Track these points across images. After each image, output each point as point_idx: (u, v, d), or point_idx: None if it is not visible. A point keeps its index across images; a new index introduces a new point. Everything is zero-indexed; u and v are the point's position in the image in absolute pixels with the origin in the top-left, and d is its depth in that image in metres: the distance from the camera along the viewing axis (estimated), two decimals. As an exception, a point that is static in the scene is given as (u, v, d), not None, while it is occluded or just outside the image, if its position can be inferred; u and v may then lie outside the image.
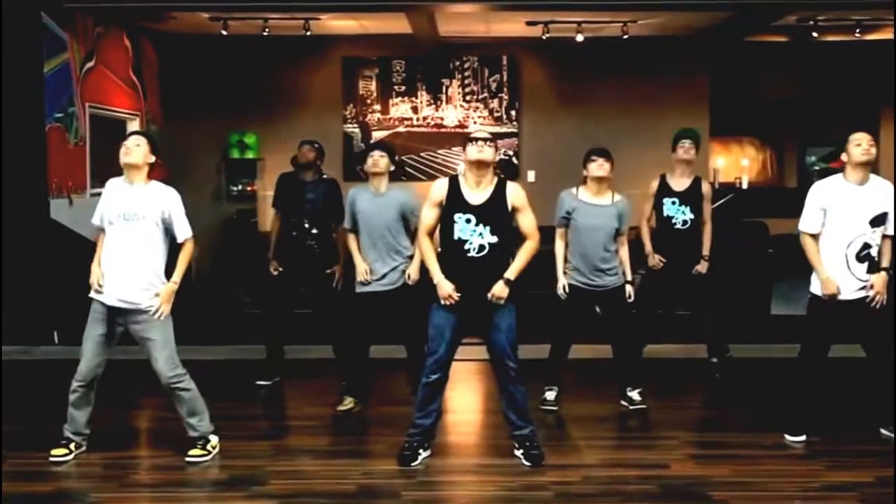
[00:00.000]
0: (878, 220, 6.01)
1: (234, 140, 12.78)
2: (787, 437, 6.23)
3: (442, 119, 13.03)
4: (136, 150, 5.84)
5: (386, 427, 6.59)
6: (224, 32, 11.50)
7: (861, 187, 6.01)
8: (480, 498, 5.44)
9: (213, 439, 5.97)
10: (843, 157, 6.04)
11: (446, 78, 13.03)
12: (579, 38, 11.78)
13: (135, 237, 5.75)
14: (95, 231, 5.99)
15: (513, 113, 13.03)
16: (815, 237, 6.10)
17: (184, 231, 5.94)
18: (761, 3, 10.22)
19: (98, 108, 10.71)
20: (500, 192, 5.74)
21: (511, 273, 5.65)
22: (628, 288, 6.92)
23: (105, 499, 5.32)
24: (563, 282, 6.89)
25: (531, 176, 12.96)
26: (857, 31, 11.82)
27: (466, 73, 13.02)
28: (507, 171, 12.93)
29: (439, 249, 5.85)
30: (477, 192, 5.72)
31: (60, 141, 9.85)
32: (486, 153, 5.69)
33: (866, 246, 6.02)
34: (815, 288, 6.16)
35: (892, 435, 6.18)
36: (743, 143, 14.29)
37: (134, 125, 11.69)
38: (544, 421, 6.70)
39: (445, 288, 5.64)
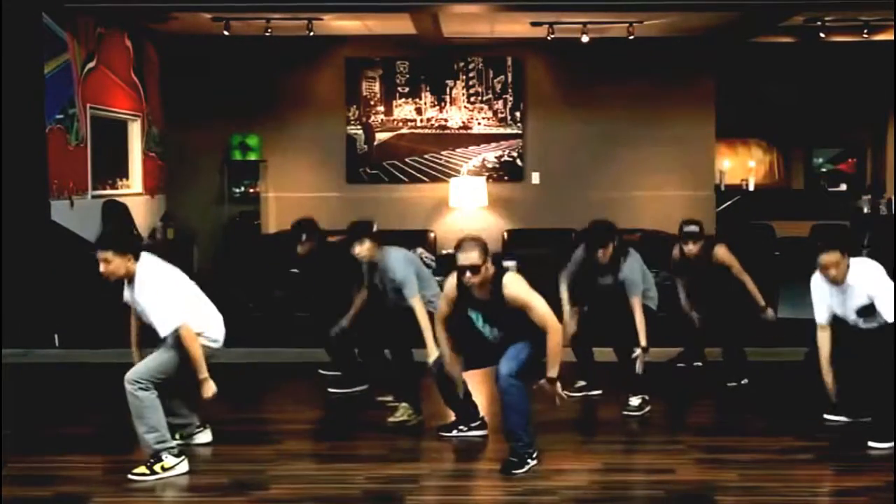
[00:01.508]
0: (864, 312, 6.24)
1: (236, 142, 12.72)
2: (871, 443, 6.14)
3: (446, 120, 12.97)
4: (111, 272, 5.60)
5: (389, 431, 6.55)
6: (226, 33, 11.46)
7: (841, 286, 6.25)
8: (486, 503, 5.39)
9: (169, 461, 5.60)
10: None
11: (450, 79, 12.97)
12: (585, 38, 11.72)
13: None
14: None
15: (517, 114, 12.96)
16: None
17: (162, 329, 5.61)
18: (767, 4, 10.16)
19: (99, 110, 10.66)
20: (497, 291, 5.69)
21: (552, 371, 5.62)
22: (639, 356, 6.92)
23: (105, 503, 5.27)
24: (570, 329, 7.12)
25: (535, 178, 12.90)
26: (865, 31, 11.75)
27: (471, 74, 12.96)
28: (511, 173, 12.89)
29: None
30: (479, 290, 5.75)
31: (61, 142, 9.80)
32: (473, 282, 5.66)
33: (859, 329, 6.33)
34: None
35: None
36: (749, 144, 14.21)
37: (135, 126, 11.66)
38: (548, 424, 6.65)
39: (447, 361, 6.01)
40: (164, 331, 5.58)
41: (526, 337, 5.70)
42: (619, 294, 6.96)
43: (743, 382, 7.83)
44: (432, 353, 6.30)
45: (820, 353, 6.35)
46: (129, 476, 5.53)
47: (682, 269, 7.91)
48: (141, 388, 5.56)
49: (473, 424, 6.40)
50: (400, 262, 6.79)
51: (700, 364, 8.31)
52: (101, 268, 5.57)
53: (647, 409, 6.99)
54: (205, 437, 6.25)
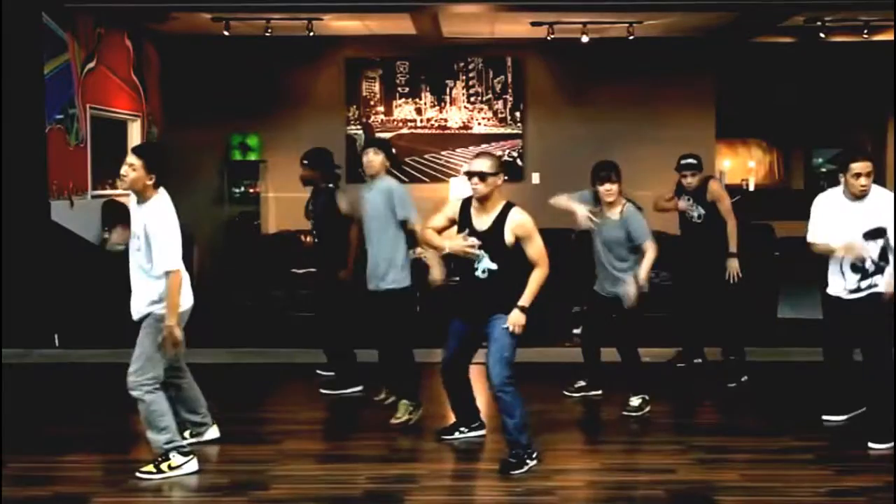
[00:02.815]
0: (873, 234, 6.16)
1: (236, 142, 12.72)
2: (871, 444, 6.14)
3: (446, 120, 12.97)
4: (129, 177, 5.53)
5: (389, 431, 6.55)
6: (226, 33, 11.45)
7: (858, 202, 6.20)
8: (486, 503, 5.39)
9: (177, 459, 5.59)
10: (841, 178, 6.27)
11: (450, 79, 12.97)
12: (584, 39, 11.71)
13: (137, 257, 5.60)
14: None
15: (517, 114, 12.95)
16: None
17: (160, 262, 5.49)
18: (767, 4, 10.16)
19: (99, 110, 10.66)
20: (500, 221, 5.74)
21: (525, 300, 5.66)
22: (630, 290, 6.82)
23: (105, 503, 5.27)
24: (582, 211, 6.93)
25: (536, 178, 12.89)
26: (865, 31, 11.75)
27: (471, 75, 12.95)
28: (511, 173, 12.88)
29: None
30: (482, 217, 5.80)
31: (61, 142, 9.80)
32: (479, 189, 5.73)
33: (860, 258, 6.18)
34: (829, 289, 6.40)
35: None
36: (749, 144, 14.23)
37: (135, 127, 11.66)
38: (548, 424, 6.65)
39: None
40: (161, 265, 5.45)
41: (512, 275, 5.67)
42: (620, 246, 6.95)
43: (743, 380, 7.81)
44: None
45: (819, 250, 6.30)
46: (137, 475, 5.52)
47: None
48: (147, 391, 5.52)
49: (473, 425, 6.40)
50: (404, 191, 6.84)
51: (700, 361, 8.28)
52: (123, 170, 5.51)
53: (647, 409, 6.98)
54: (213, 433, 6.25)
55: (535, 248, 5.70)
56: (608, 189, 6.95)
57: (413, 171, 12.88)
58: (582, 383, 7.48)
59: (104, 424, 6.60)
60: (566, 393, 7.47)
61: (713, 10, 10.77)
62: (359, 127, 12.95)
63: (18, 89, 9.30)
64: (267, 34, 11.56)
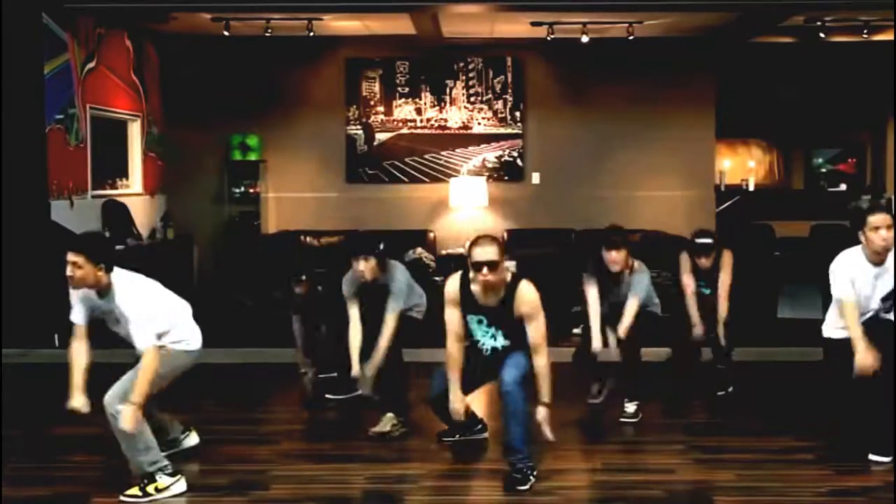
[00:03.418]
0: (890, 296, 5.92)
1: (235, 142, 12.71)
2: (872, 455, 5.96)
3: (446, 121, 12.96)
4: (76, 276, 5.27)
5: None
6: (226, 33, 11.44)
7: (879, 267, 5.89)
8: (485, 503, 5.38)
9: (164, 481, 5.36)
10: (860, 236, 5.88)
11: (450, 79, 12.96)
12: (584, 39, 11.70)
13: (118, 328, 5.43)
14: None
15: (517, 114, 12.94)
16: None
17: (140, 342, 5.28)
18: (767, 4, 10.15)
19: (99, 110, 10.65)
20: (509, 298, 5.49)
21: (547, 397, 5.51)
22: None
23: (105, 503, 5.27)
24: (597, 343, 6.79)
25: (536, 178, 12.88)
26: (865, 31, 11.74)
27: (471, 75, 12.95)
28: (511, 173, 12.88)
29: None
30: (489, 295, 5.54)
31: (61, 142, 9.79)
32: (491, 280, 5.42)
33: (875, 317, 5.95)
34: (829, 331, 6.09)
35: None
36: (749, 144, 14.21)
37: (135, 126, 11.65)
38: (550, 424, 6.65)
39: (454, 405, 5.75)
40: (142, 344, 5.26)
41: (523, 349, 5.56)
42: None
43: (730, 390, 7.64)
44: (367, 366, 6.17)
45: (851, 329, 5.80)
46: (121, 498, 5.31)
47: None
48: (116, 416, 5.27)
49: (476, 428, 6.40)
50: (402, 276, 6.53)
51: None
52: (69, 271, 5.23)
53: (640, 416, 6.94)
54: (192, 440, 6.10)
55: (540, 329, 5.49)
56: (615, 258, 6.69)
57: (413, 171, 12.87)
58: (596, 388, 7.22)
59: (104, 424, 6.58)
60: (592, 401, 7.17)
61: (713, 10, 10.76)
62: (359, 127, 12.94)
63: (18, 89, 9.30)
64: (267, 34, 11.55)
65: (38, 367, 8.70)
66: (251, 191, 12.89)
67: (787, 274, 10.56)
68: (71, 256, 5.23)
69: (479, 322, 5.62)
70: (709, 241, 7.41)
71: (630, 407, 6.96)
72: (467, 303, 5.57)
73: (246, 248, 12.29)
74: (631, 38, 11.60)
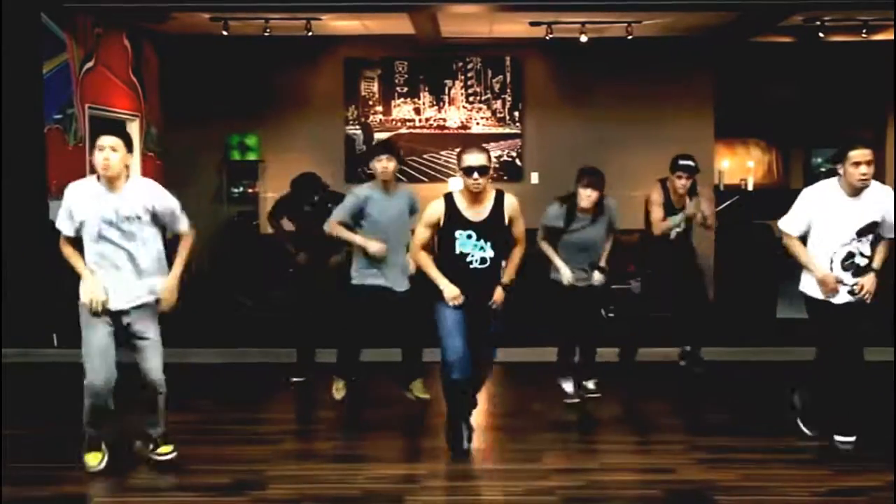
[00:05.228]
0: (866, 230, 5.88)
1: (234, 142, 12.71)
2: (836, 437, 6.08)
3: (444, 120, 12.96)
4: (114, 162, 5.41)
5: (388, 430, 6.56)
6: (225, 33, 11.44)
7: (854, 199, 5.88)
8: (486, 503, 5.38)
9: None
10: (839, 168, 5.91)
11: (449, 79, 12.96)
12: (583, 38, 11.71)
13: (130, 240, 5.57)
14: (64, 240, 5.74)
15: (516, 114, 12.95)
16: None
17: (184, 222, 5.80)
18: (767, 4, 10.15)
19: (98, 109, 10.64)
20: (499, 208, 5.90)
21: (508, 279, 5.99)
22: (597, 275, 7.12)
23: (105, 503, 5.27)
24: (567, 274, 7.06)
25: (534, 178, 12.89)
26: (864, 31, 11.75)
27: (469, 75, 12.95)
28: (510, 173, 12.88)
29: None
30: (476, 208, 5.86)
31: (60, 142, 9.79)
32: (482, 184, 5.78)
33: (850, 255, 5.92)
34: (806, 287, 6.09)
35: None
36: (748, 144, 14.22)
37: (133, 126, 11.64)
38: (548, 424, 6.65)
39: (453, 291, 5.84)
40: (184, 225, 5.80)
41: (504, 258, 6.00)
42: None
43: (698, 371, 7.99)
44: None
45: (797, 253, 6.00)
46: (160, 458, 5.70)
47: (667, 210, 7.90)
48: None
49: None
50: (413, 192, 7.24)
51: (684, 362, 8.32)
52: (105, 154, 5.37)
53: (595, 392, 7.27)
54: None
55: (522, 228, 5.98)
56: (590, 195, 7.04)
57: (412, 171, 12.87)
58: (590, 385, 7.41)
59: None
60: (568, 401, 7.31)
61: (713, 10, 10.77)
62: (357, 127, 12.94)
63: (17, 89, 9.29)
64: (265, 34, 11.55)
65: (38, 367, 8.70)
66: (250, 191, 12.89)
67: (787, 274, 10.54)
68: (110, 140, 5.39)
69: (469, 237, 5.85)
70: (691, 162, 7.73)
71: (590, 384, 7.29)
72: (455, 220, 5.84)
73: (245, 248, 12.29)
74: (630, 37, 11.61)
